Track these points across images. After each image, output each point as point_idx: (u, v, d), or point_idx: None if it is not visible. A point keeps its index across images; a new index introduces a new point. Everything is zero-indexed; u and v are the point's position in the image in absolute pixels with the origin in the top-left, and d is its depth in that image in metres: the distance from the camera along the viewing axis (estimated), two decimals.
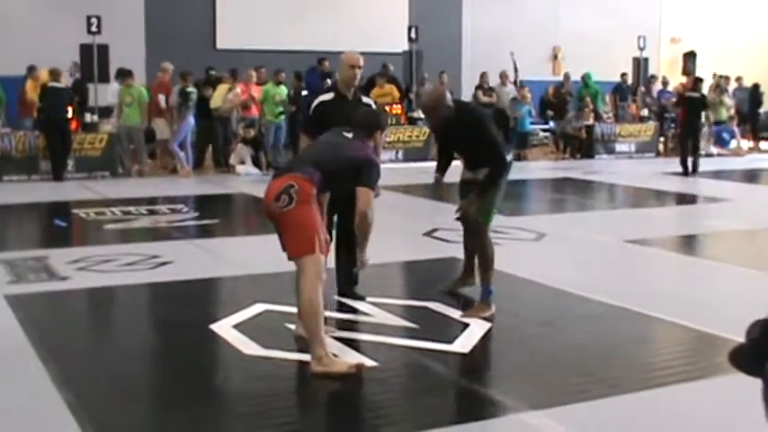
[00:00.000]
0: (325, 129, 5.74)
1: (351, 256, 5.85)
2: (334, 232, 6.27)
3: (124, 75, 15.18)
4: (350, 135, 5.25)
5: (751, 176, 16.51)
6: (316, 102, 6.44)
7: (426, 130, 17.68)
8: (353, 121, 5.43)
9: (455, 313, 6.12)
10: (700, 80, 16.79)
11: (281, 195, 4.77)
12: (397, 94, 17.63)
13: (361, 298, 6.41)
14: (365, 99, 6.72)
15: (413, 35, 18.39)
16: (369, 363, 5.07)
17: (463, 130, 6.19)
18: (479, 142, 6.18)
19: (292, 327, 5.77)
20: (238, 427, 4.33)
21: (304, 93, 14.61)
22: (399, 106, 18.25)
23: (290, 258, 4.92)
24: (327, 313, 6.01)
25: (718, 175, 16.19)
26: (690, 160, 15.67)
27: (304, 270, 4.84)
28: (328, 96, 6.46)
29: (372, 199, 5.05)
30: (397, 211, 10.56)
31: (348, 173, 5.03)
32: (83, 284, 7.08)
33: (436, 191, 7.12)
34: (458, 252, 8.40)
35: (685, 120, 16.03)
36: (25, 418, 4.28)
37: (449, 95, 6.27)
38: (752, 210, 11.69)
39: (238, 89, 15.87)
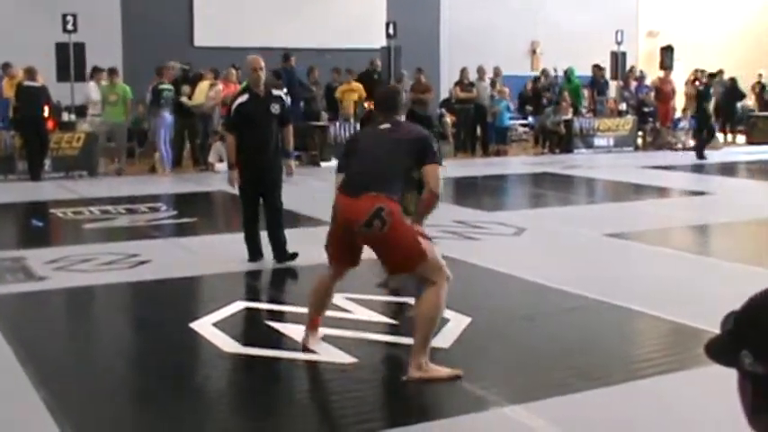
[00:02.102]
0: (248, 126, 7.26)
1: (279, 228, 7.54)
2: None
3: (109, 73, 15.13)
4: (386, 125, 4.98)
5: (728, 170, 16.61)
6: (235, 105, 7.48)
7: None
8: (379, 107, 5.24)
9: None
10: (712, 75, 18.68)
11: (372, 222, 4.61)
12: (363, 92, 17.62)
13: (294, 255, 7.52)
14: (275, 92, 7.82)
15: (391, 31, 18.37)
16: (348, 359, 5.06)
17: None
18: None
19: (272, 324, 5.77)
20: (218, 423, 4.30)
21: (282, 91, 14.53)
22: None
23: (399, 272, 4.94)
24: (304, 309, 6.02)
25: (696, 168, 16.29)
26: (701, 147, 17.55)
27: (432, 277, 4.68)
28: (244, 98, 7.47)
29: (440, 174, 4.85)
30: None
31: (415, 160, 4.84)
32: (61, 284, 7.02)
33: None
34: (438, 248, 8.40)
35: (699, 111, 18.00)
36: (3, 418, 4.23)
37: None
38: (730, 203, 11.76)
39: (220, 86, 15.79)
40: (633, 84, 20.78)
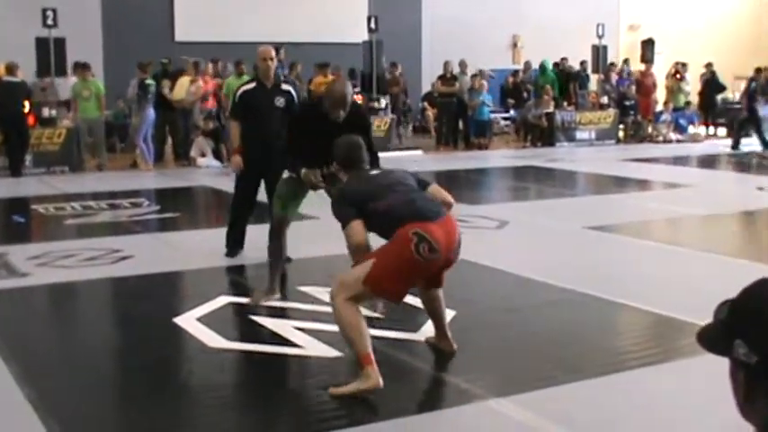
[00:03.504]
0: (249, 115, 7.27)
1: None
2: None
3: (81, 68, 15.01)
4: (374, 170, 5.03)
5: (709, 162, 16.71)
6: (240, 91, 7.48)
7: (388, 120, 17.69)
8: (348, 163, 4.96)
9: (419, 302, 6.11)
10: (759, 70, 19.02)
11: (459, 248, 4.69)
12: None
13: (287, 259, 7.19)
14: (284, 86, 7.66)
15: (372, 25, 18.35)
16: (334, 353, 5.06)
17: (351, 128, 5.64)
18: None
19: (256, 318, 5.77)
20: (202, 419, 4.30)
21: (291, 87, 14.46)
22: (361, 96, 18.22)
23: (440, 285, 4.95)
24: (290, 304, 6.02)
25: (677, 161, 16.38)
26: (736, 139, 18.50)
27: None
28: (251, 86, 7.49)
29: None
30: None
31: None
32: (43, 280, 6.99)
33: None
34: None
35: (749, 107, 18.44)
36: None
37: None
38: (711, 195, 11.83)
39: (200, 81, 15.74)
40: (614, 77, 20.85)
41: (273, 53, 7.54)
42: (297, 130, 5.99)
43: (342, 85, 5.89)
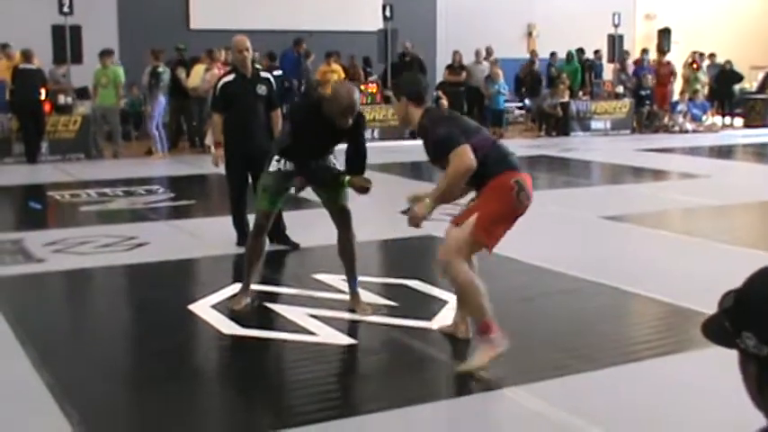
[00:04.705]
0: (233, 106, 7.20)
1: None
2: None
3: (101, 55, 15.04)
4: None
5: (726, 152, 16.62)
6: (221, 83, 7.40)
7: None
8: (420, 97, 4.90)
9: (433, 291, 6.14)
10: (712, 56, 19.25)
11: None
12: (342, 73, 17.59)
13: (295, 245, 7.56)
14: (263, 74, 7.61)
15: (387, 13, 18.31)
16: (348, 341, 5.08)
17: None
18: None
19: (271, 305, 5.80)
20: (217, 405, 4.33)
21: (277, 73, 14.49)
22: (375, 85, 18.18)
23: None
24: (304, 291, 6.04)
25: (693, 151, 16.30)
26: None
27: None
28: (230, 77, 7.38)
29: None
30: (374, 189, 10.51)
31: None
32: (59, 266, 7.03)
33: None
34: (434, 230, 8.42)
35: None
36: (4, 400, 4.26)
37: None
38: (727, 185, 11.77)
39: (216, 69, 15.75)
40: (631, 67, 20.75)
41: (249, 44, 7.41)
42: (301, 132, 5.43)
43: (349, 91, 5.30)
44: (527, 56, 21.38)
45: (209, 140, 15.42)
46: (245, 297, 5.81)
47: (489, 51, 19.50)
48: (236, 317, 5.52)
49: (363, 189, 5.49)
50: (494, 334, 4.49)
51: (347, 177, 5.47)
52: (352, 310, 5.64)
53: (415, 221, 4.75)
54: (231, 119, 7.34)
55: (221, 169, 7.78)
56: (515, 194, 4.59)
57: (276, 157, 5.60)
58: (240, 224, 7.64)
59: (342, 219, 5.68)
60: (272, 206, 5.74)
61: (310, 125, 5.36)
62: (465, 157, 4.49)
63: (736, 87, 21.89)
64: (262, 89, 7.43)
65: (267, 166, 5.65)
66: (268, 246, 7.49)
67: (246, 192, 7.54)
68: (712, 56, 21.95)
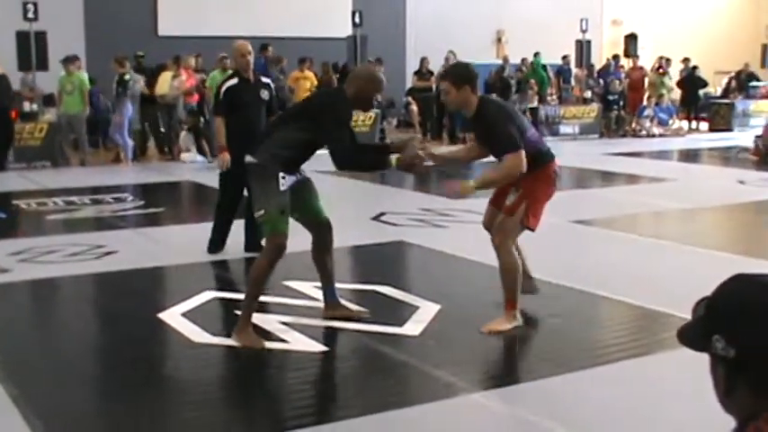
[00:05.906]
0: (236, 110, 7.19)
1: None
2: None
3: (66, 61, 14.86)
4: None
5: (692, 156, 16.79)
6: (225, 87, 7.40)
7: (373, 114, 17.66)
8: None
9: (404, 296, 6.13)
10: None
11: None
12: (315, 80, 17.59)
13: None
14: (264, 79, 7.71)
15: (357, 20, 18.33)
16: (318, 348, 5.06)
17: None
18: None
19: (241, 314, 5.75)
20: (188, 415, 4.29)
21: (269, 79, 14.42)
22: None
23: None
24: (275, 299, 6.00)
25: (660, 155, 16.44)
26: None
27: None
28: (234, 81, 7.41)
29: None
30: (345, 195, 10.54)
31: None
32: (26, 276, 6.95)
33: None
34: (405, 236, 8.43)
35: None
36: None
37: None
38: (694, 189, 11.88)
39: (183, 76, 15.68)
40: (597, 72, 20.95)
41: (250, 47, 7.53)
42: (347, 126, 5.34)
43: (373, 68, 5.99)
44: (497, 61, 21.48)
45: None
46: (251, 328, 5.23)
47: (455, 56, 19.49)
48: (205, 325, 5.48)
49: (416, 167, 5.19)
50: (516, 310, 5.33)
51: (396, 155, 5.16)
52: (335, 318, 5.53)
53: (453, 194, 5.48)
54: (233, 123, 7.28)
55: (213, 175, 7.65)
56: (555, 182, 5.49)
57: (281, 175, 5.12)
58: (221, 231, 7.57)
59: (325, 231, 5.53)
60: (286, 228, 5.18)
61: (351, 117, 5.50)
62: (520, 162, 5.10)
63: (701, 92, 22.18)
64: (264, 94, 7.43)
65: (274, 185, 5.09)
66: (241, 253, 7.51)
67: (239, 200, 7.45)
68: (686, 60, 22.14)
